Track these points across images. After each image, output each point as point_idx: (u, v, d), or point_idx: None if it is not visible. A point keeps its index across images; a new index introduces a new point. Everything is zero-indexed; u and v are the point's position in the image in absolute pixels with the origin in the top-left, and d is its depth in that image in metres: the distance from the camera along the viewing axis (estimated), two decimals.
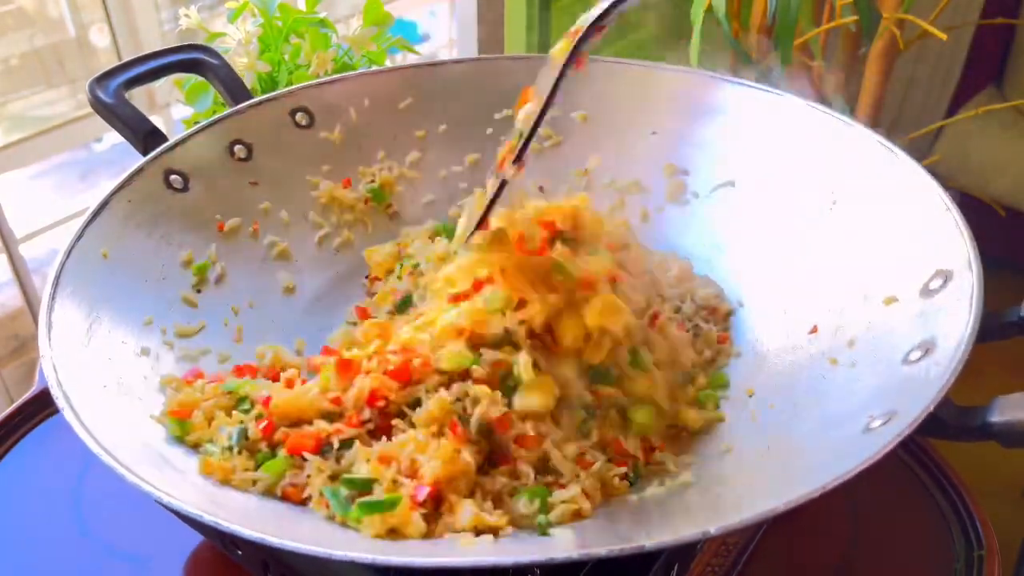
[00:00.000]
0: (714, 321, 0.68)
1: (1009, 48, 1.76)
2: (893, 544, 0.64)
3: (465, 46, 1.49)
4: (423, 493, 0.49)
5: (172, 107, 1.64)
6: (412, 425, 0.54)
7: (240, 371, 0.62)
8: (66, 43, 1.69)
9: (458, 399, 0.53)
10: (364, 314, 0.71)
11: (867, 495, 0.66)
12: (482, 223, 0.60)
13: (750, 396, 0.61)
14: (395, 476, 0.50)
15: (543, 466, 0.54)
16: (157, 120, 0.72)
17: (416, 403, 0.55)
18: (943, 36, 0.92)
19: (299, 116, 0.77)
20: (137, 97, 0.73)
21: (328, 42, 0.88)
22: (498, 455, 0.53)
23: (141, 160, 0.68)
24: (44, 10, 1.67)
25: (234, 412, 0.57)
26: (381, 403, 0.54)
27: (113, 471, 0.46)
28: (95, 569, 0.63)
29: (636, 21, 1.38)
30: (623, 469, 0.54)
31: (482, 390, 0.54)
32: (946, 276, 0.55)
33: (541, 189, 0.79)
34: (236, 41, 0.86)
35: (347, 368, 0.56)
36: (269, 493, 0.52)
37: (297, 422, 0.55)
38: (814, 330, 0.62)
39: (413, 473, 0.51)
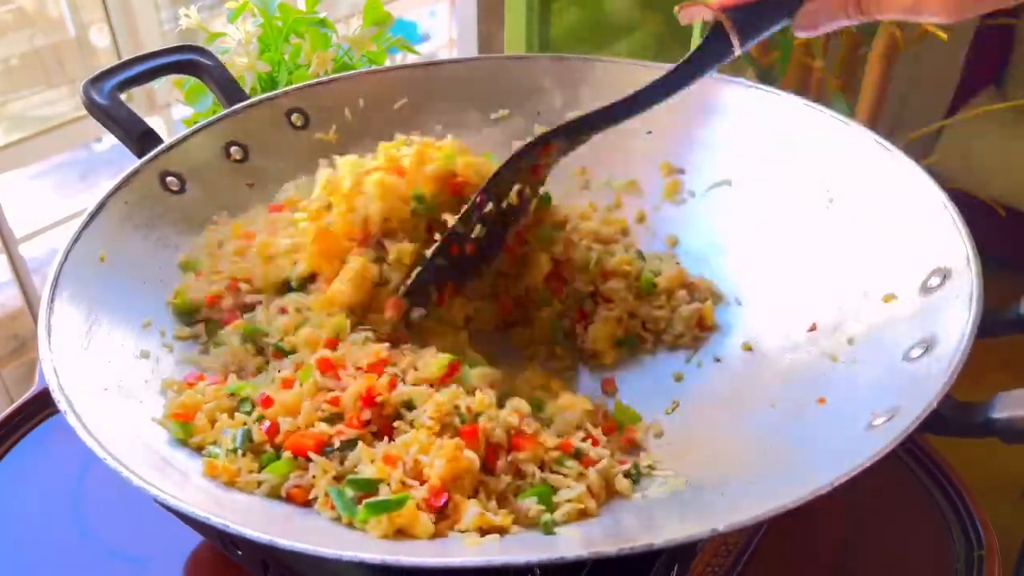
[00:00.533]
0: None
1: (1009, 48, 1.76)
2: (893, 544, 0.65)
3: (465, 46, 1.49)
4: (442, 500, 0.49)
5: (172, 107, 1.64)
6: (412, 426, 0.54)
7: None
8: (66, 43, 1.69)
9: (453, 402, 0.54)
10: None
11: (867, 495, 0.66)
12: None
13: (751, 396, 0.61)
14: (402, 478, 0.50)
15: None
16: (157, 121, 0.72)
17: (409, 404, 0.55)
18: (943, 36, 0.92)
19: (294, 117, 0.77)
20: (137, 97, 0.73)
21: (328, 42, 0.88)
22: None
23: (137, 162, 0.68)
24: (44, 10, 1.66)
25: (236, 414, 0.56)
26: (379, 398, 0.54)
27: (118, 474, 0.46)
28: (95, 569, 0.63)
29: (635, 21, 1.38)
30: (626, 467, 0.54)
31: (480, 400, 0.54)
32: (944, 274, 0.55)
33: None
34: (236, 41, 0.86)
35: (329, 367, 0.57)
36: (274, 495, 0.52)
37: (300, 424, 0.54)
38: (813, 328, 0.62)
39: (417, 474, 0.51)
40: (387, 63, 0.92)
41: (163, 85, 0.79)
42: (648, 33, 1.32)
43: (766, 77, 1.00)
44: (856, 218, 0.64)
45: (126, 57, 0.76)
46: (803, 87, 1.16)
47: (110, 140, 1.94)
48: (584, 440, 0.56)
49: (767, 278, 0.68)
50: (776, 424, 0.57)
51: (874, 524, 0.65)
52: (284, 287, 0.65)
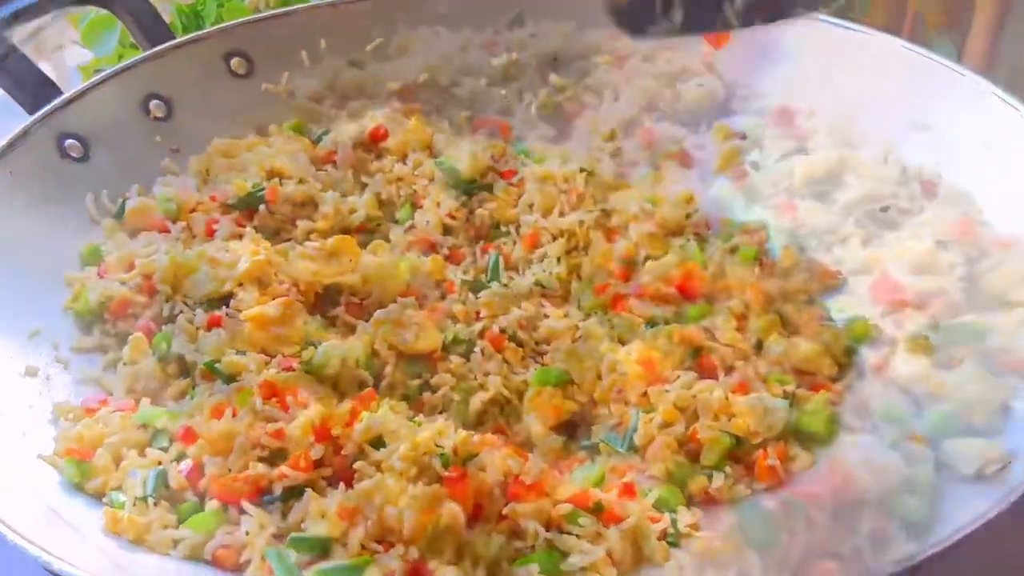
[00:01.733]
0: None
1: None
2: None
3: None
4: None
5: (65, 50, 1.65)
6: (380, 470, 0.53)
7: None
8: None
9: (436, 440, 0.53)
10: None
11: (985, 553, 0.66)
12: None
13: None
14: (363, 539, 0.49)
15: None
16: (45, 68, 0.72)
17: (377, 441, 0.54)
18: None
19: (235, 62, 0.77)
20: (19, 38, 0.73)
21: None
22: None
23: (26, 121, 0.68)
24: None
25: (148, 450, 0.56)
26: (336, 431, 0.53)
27: None
28: None
29: None
30: (661, 525, 0.53)
31: (466, 439, 0.54)
32: None
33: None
34: None
35: (271, 390, 0.56)
36: (195, 556, 0.51)
37: (231, 466, 0.54)
38: (910, 344, 0.61)
39: (384, 532, 0.49)
40: None
41: (53, 22, 0.80)
42: None
43: (845, 12, 1.00)
44: (970, 197, 0.64)
45: None
46: (894, 25, 1.16)
47: None
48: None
49: (855, 278, 0.67)
50: (855, 468, 0.56)
51: None
52: (219, 298, 0.64)
